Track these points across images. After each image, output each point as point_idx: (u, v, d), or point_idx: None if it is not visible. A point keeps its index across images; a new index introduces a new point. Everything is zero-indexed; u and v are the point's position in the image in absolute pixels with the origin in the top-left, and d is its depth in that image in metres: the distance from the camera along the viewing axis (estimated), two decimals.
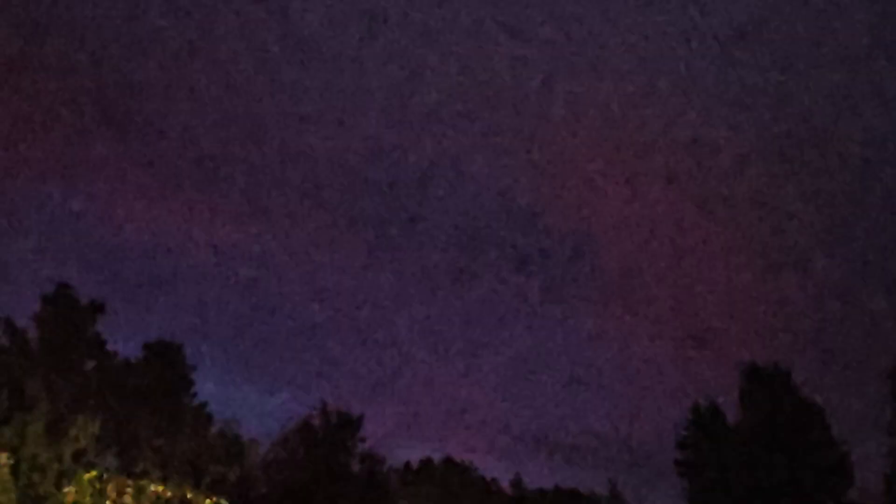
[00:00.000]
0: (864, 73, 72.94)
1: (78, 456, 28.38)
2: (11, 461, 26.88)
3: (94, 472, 28.24)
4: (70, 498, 27.44)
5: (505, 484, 42.68)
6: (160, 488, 28.70)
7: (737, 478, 27.35)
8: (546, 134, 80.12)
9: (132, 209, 67.23)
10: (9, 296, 31.97)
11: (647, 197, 78.55)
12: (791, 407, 28.23)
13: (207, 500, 29.10)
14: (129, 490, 28.41)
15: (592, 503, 40.40)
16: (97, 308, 32.05)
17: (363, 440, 32.15)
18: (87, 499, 27.41)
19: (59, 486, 27.44)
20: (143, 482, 28.70)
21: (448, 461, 38.56)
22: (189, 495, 28.85)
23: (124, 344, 32.70)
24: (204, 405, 32.36)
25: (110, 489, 28.11)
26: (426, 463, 38.77)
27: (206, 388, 31.43)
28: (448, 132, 79.20)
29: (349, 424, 30.94)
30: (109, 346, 32.62)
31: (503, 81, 77.97)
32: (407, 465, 38.35)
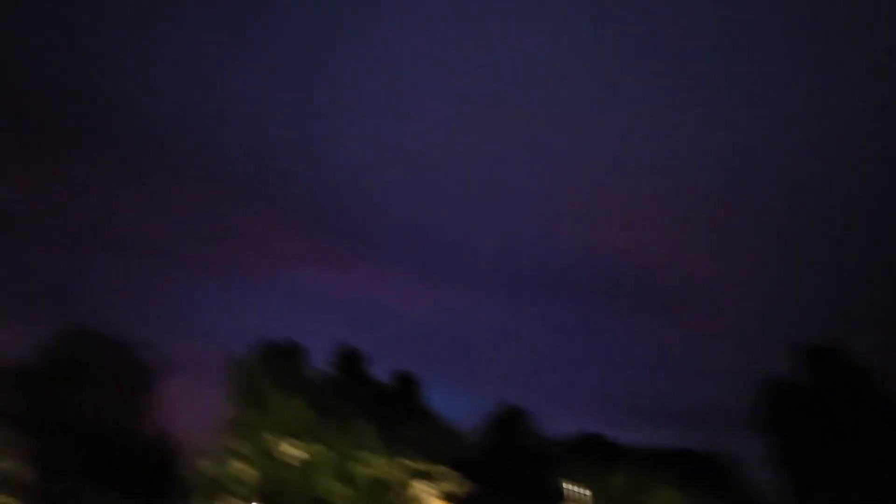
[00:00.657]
0: None
1: (362, 445, 39.28)
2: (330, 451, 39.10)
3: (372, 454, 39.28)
4: (363, 471, 38.71)
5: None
6: (411, 462, 40.40)
7: (808, 433, 30.35)
8: None
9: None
10: (317, 352, 47.87)
11: None
12: (847, 375, 30.37)
13: (438, 469, 40.23)
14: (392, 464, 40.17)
15: (700, 457, 42.89)
16: (363, 356, 45.87)
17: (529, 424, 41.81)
18: (371, 470, 38.92)
19: (355, 463, 38.67)
20: (401, 459, 40.07)
21: (592, 434, 45.60)
22: (428, 467, 40.22)
23: (380, 374, 46.72)
24: (431, 408, 44.94)
25: (382, 463, 39.58)
26: (575, 435, 46.27)
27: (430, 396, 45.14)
28: None
29: (520, 414, 41.31)
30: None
31: None
32: (562, 438, 46.30)
